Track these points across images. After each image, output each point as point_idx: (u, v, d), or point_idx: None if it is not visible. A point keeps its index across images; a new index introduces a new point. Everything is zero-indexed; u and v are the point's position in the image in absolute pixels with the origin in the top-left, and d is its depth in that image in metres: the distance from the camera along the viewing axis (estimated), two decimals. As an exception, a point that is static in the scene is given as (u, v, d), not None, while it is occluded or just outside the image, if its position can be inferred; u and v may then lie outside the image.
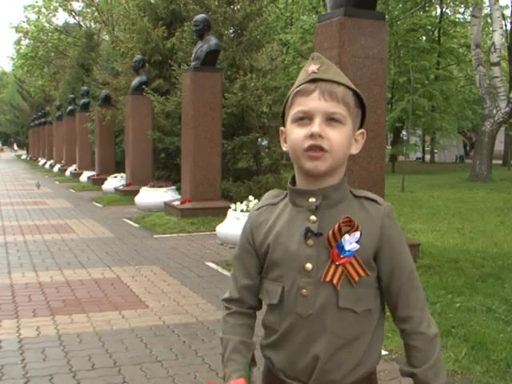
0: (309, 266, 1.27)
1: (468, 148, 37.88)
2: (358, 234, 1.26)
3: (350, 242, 1.25)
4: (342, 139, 1.28)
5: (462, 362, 3.34)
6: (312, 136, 1.25)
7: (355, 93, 1.32)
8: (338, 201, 1.31)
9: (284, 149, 1.36)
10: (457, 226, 8.70)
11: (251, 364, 1.38)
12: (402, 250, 1.34)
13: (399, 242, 1.33)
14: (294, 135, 1.29)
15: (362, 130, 1.37)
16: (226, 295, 1.43)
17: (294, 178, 1.36)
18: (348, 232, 1.26)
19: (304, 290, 1.28)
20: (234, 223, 7.36)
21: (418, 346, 1.32)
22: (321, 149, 1.25)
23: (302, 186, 1.33)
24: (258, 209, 1.41)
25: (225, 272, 5.93)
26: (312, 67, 1.31)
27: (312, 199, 1.30)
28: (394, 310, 1.35)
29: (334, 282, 1.26)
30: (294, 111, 1.30)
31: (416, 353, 1.32)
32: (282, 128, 1.37)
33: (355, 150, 1.36)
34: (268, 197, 1.42)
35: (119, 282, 5.54)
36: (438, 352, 1.33)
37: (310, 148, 1.26)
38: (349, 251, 1.25)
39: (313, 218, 1.29)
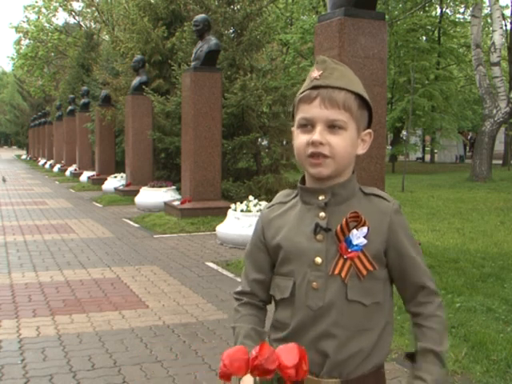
0: (318, 259, 1.31)
1: (467, 148, 37.79)
2: (365, 229, 1.29)
3: (358, 237, 1.29)
4: (345, 145, 1.31)
5: (462, 362, 3.34)
6: (313, 144, 1.29)
7: (359, 95, 1.33)
8: (346, 198, 1.35)
9: None
10: (457, 226, 8.70)
11: None
12: (410, 242, 1.36)
13: (407, 236, 1.36)
14: (298, 141, 1.34)
15: (368, 130, 1.40)
16: (238, 289, 1.47)
17: (303, 177, 1.40)
18: (356, 227, 1.29)
19: (314, 283, 1.31)
20: (234, 223, 7.36)
21: (436, 328, 1.33)
22: (323, 156, 1.29)
23: (311, 185, 1.37)
24: (269, 207, 1.46)
25: (225, 272, 5.93)
26: (315, 73, 1.33)
27: (321, 197, 1.34)
28: (410, 297, 1.37)
29: (342, 275, 1.29)
30: (298, 117, 1.34)
31: (433, 334, 1.33)
32: (293, 129, 1.41)
33: (362, 150, 1.38)
34: (279, 196, 1.47)
35: (119, 282, 5.54)
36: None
37: (312, 155, 1.30)
38: (356, 245, 1.29)
39: (322, 214, 1.33)
